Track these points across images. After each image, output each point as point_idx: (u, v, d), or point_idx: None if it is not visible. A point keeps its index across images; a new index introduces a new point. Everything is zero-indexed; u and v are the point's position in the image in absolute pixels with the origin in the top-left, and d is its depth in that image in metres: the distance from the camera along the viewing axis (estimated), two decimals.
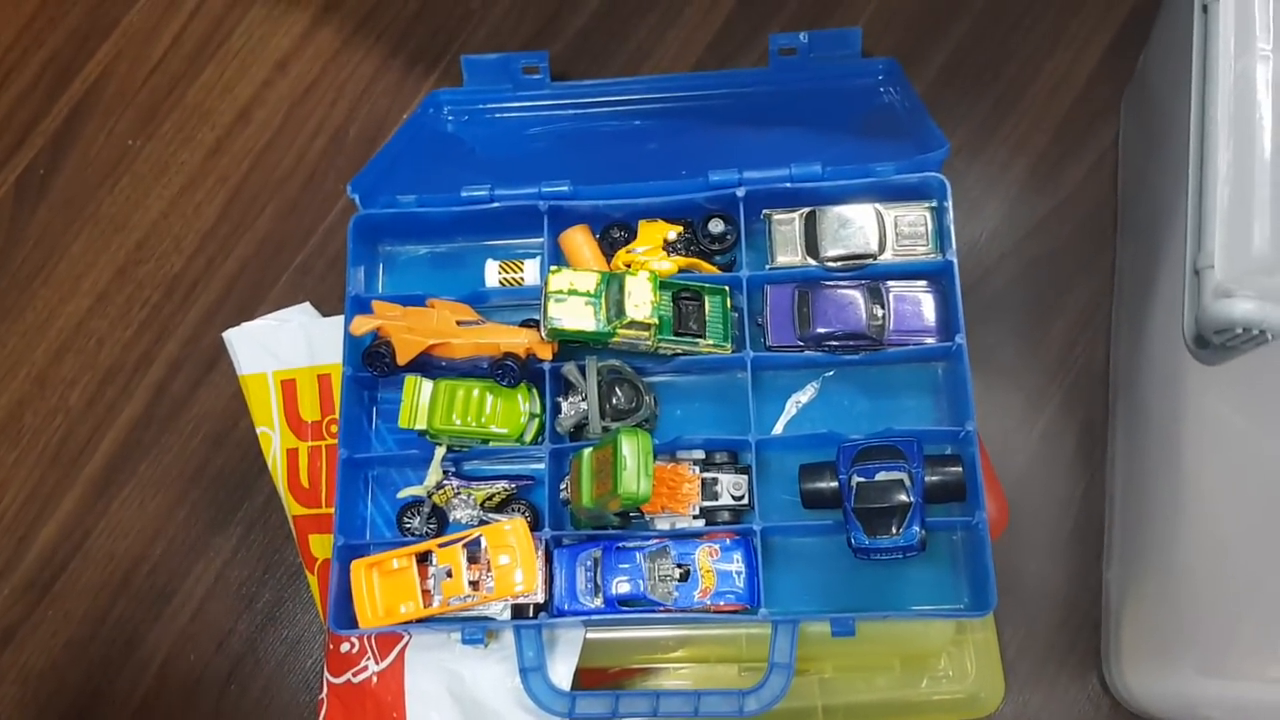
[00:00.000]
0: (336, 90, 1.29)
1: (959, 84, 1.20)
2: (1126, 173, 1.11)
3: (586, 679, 0.90)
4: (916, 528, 0.80)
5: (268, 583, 1.15)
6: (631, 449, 0.79)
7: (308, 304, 1.08)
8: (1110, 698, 1.02)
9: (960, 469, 0.82)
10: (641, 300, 0.86)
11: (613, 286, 0.87)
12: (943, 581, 0.86)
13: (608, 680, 0.96)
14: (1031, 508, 1.07)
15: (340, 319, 0.97)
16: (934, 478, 0.82)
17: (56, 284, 1.24)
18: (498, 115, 1.14)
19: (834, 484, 0.83)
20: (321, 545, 0.99)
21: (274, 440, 1.01)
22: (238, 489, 1.17)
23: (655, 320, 0.86)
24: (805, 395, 0.91)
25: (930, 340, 0.88)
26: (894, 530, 0.80)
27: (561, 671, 0.85)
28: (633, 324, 0.86)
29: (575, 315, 0.87)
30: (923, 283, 0.89)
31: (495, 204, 0.94)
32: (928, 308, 0.88)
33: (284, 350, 1.02)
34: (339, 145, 1.27)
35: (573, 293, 0.87)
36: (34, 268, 1.25)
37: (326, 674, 0.92)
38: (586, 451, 0.84)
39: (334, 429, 1.00)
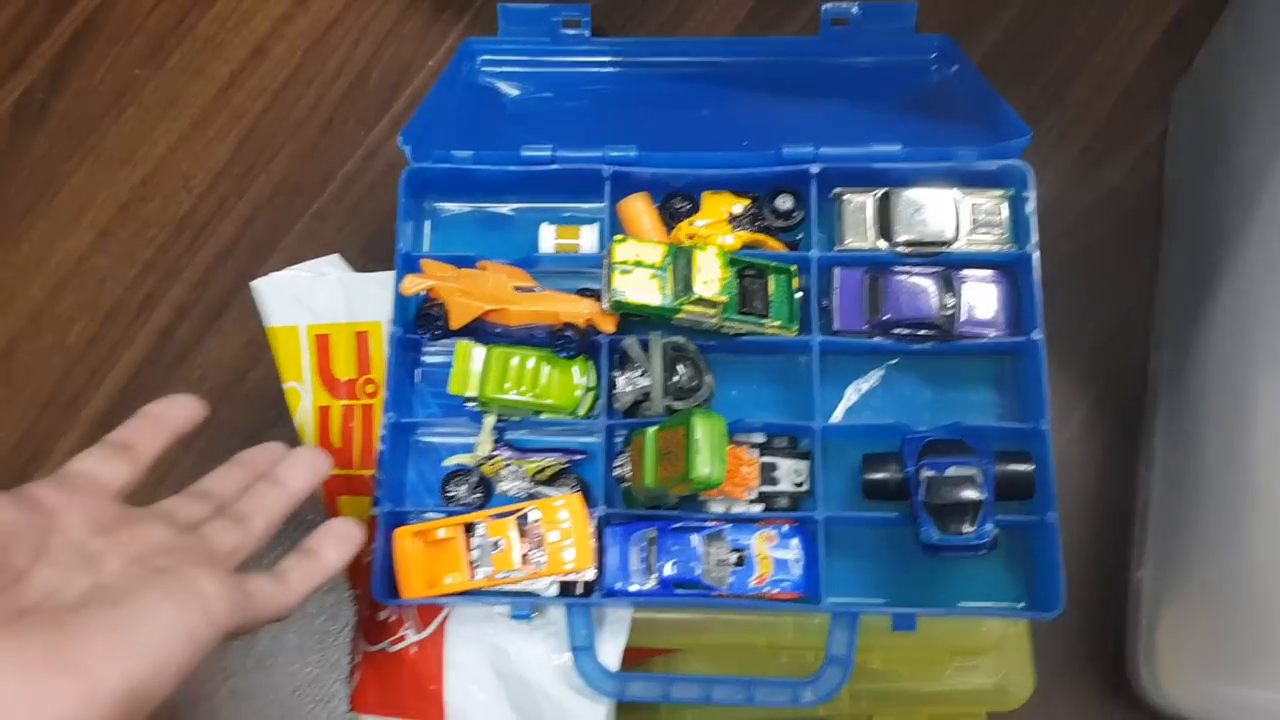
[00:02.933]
0: (360, 30, 1.23)
1: (1004, 72, 1.18)
2: (1175, 174, 1.10)
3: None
4: (990, 525, 0.79)
5: (278, 540, 1.10)
6: (706, 432, 0.76)
7: (338, 256, 1.03)
8: (1130, 695, 1.02)
9: (1030, 467, 0.81)
10: (710, 276, 0.83)
11: (680, 261, 0.84)
12: (999, 579, 0.85)
13: (640, 657, 0.94)
14: (1061, 504, 1.06)
15: (380, 275, 0.93)
16: (1004, 475, 0.81)
17: (55, 217, 1.18)
18: (535, 70, 1.10)
19: (899, 476, 0.82)
20: (352, 506, 0.95)
21: (304, 397, 0.97)
22: (246, 441, 1.11)
23: (724, 298, 0.83)
24: (867, 383, 0.89)
25: (997, 333, 0.86)
26: (967, 528, 0.78)
27: (609, 651, 0.83)
28: (700, 300, 0.83)
29: (640, 288, 0.84)
30: (993, 273, 0.88)
31: (555, 165, 0.90)
32: (999, 300, 0.87)
33: (319, 304, 0.97)
34: (361, 89, 1.22)
35: (639, 264, 0.84)
36: (31, 198, 1.18)
37: (362, 641, 0.89)
38: (651, 430, 0.81)
39: (370, 389, 0.95)
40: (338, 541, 0.72)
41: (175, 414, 0.75)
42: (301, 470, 0.74)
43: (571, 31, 1.08)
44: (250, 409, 1.13)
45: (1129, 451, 1.08)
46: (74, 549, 0.58)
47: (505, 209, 0.95)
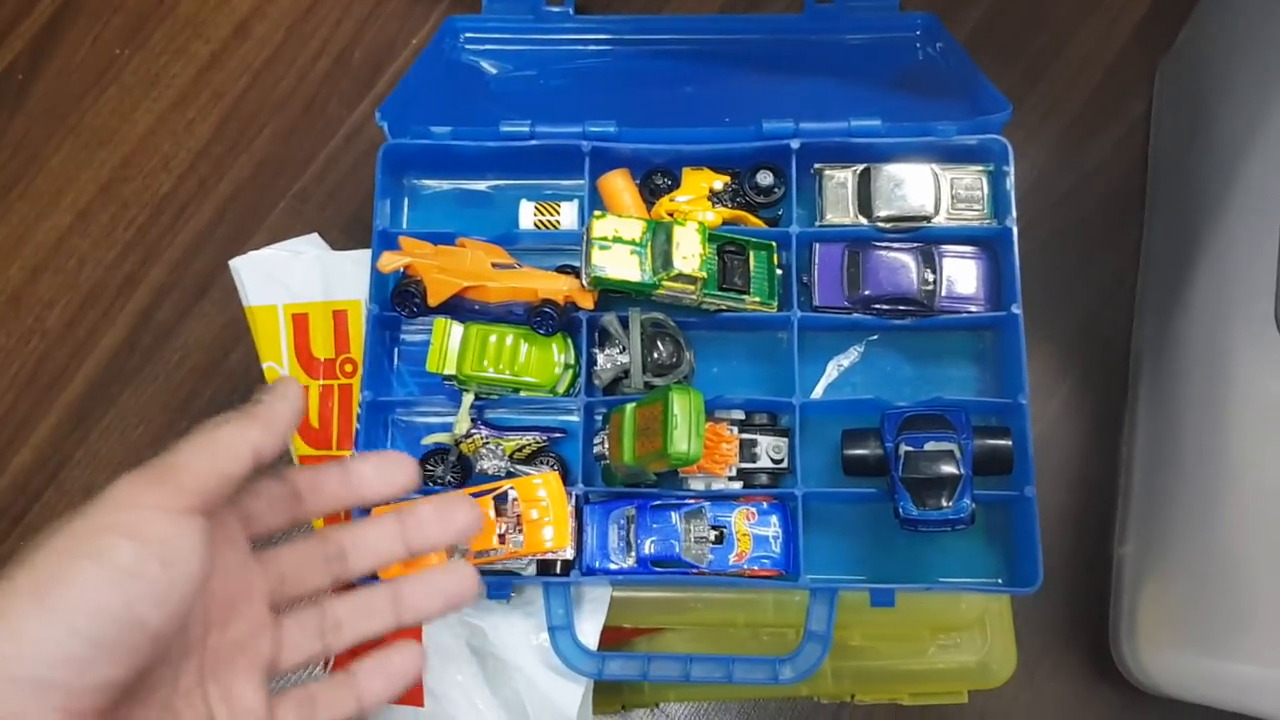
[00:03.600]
0: (342, 9, 1.22)
1: (988, 50, 1.17)
2: (1158, 149, 1.10)
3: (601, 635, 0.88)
4: (967, 500, 0.78)
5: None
6: (683, 408, 0.76)
7: (316, 235, 1.03)
8: (1114, 671, 1.02)
9: (1009, 441, 0.81)
10: (690, 252, 0.82)
11: (659, 236, 0.84)
12: (979, 554, 0.85)
13: (621, 637, 0.94)
14: (1042, 481, 1.05)
15: (357, 253, 0.92)
16: (983, 449, 0.80)
17: (34, 197, 1.17)
18: (518, 47, 1.09)
19: (878, 451, 0.82)
20: None
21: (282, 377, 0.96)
22: None
23: (703, 274, 0.82)
24: (847, 359, 0.89)
25: (977, 308, 0.86)
26: (945, 502, 0.78)
27: (588, 630, 0.83)
28: (679, 276, 0.82)
29: (620, 264, 0.83)
30: (973, 249, 0.87)
31: (535, 141, 0.89)
32: (979, 275, 0.86)
33: (297, 283, 0.96)
34: (343, 68, 1.21)
35: (617, 240, 0.83)
36: (10, 179, 1.17)
37: None
38: (629, 407, 0.81)
39: (348, 368, 0.95)
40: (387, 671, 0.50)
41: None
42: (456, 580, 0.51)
43: (555, 9, 1.07)
44: (232, 389, 1.12)
45: (1113, 426, 1.08)
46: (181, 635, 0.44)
47: (485, 186, 0.95)
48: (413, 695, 0.85)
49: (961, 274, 0.86)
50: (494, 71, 1.08)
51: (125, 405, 1.13)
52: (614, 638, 0.93)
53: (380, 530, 0.50)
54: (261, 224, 1.16)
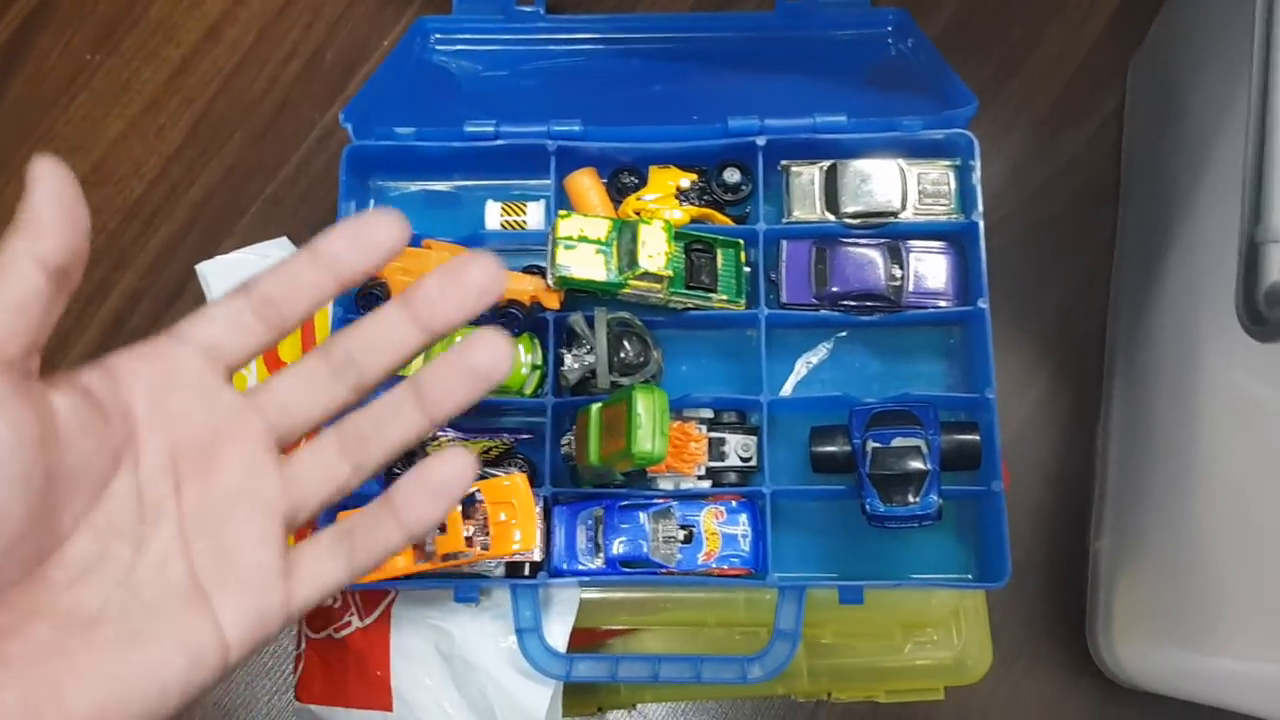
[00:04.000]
0: (313, 11, 1.22)
1: (962, 43, 1.17)
2: (1131, 142, 1.09)
3: (573, 638, 0.87)
4: (934, 496, 0.78)
5: None
6: (647, 407, 0.75)
7: (285, 238, 1.02)
8: (1092, 666, 1.02)
9: (977, 436, 0.81)
10: (656, 251, 0.82)
11: (625, 235, 0.83)
12: (949, 550, 0.85)
13: (594, 639, 0.94)
14: (1019, 475, 1.06)
15: None
16: (950, 445, 0.80)
17: (5, 206, 1.16)
18: (488, 47, 1.09)
19: (847, 448, 0.81)
20: None
21: (250, 381, 0.96)
22: None
23: (669, 272, 0.82)
24: (816, 356, 0.88)
25: (946, 304, 0.86)
26: (911, 498, 0.78)
27: (556, 632, 0.82)
28: (645, 275, 0.82)
29: (585, 264, 0.83)
30: (941, 244, 0.87)
31: (500, 141, 0.89)
32: (947, 270, 0.86)
33: None
34: (314, 71, 1.21)
35: (583, 240, 0.83)
36: None
37: (305, 629, 0.88)
38: (595, 407, 0.81)
39: None
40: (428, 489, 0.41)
41: (375, 237, 0.40)
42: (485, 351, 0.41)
43: (526, 8, 1.06)
44: None
45: (1089, 420, 1.07)
46: (134, 500, 0.37)
47: (451, 187, 0.94)
48: (380, 699, 0.84)
49: (929, 269, 0.86)
50: (464, 72, 1.08)
51: None
52: (587, 640, 0.92)
53: (386, 320, 0.41)
54: (234, 228, 1.16)
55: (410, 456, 0.84)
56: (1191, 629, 0.83)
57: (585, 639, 0.92)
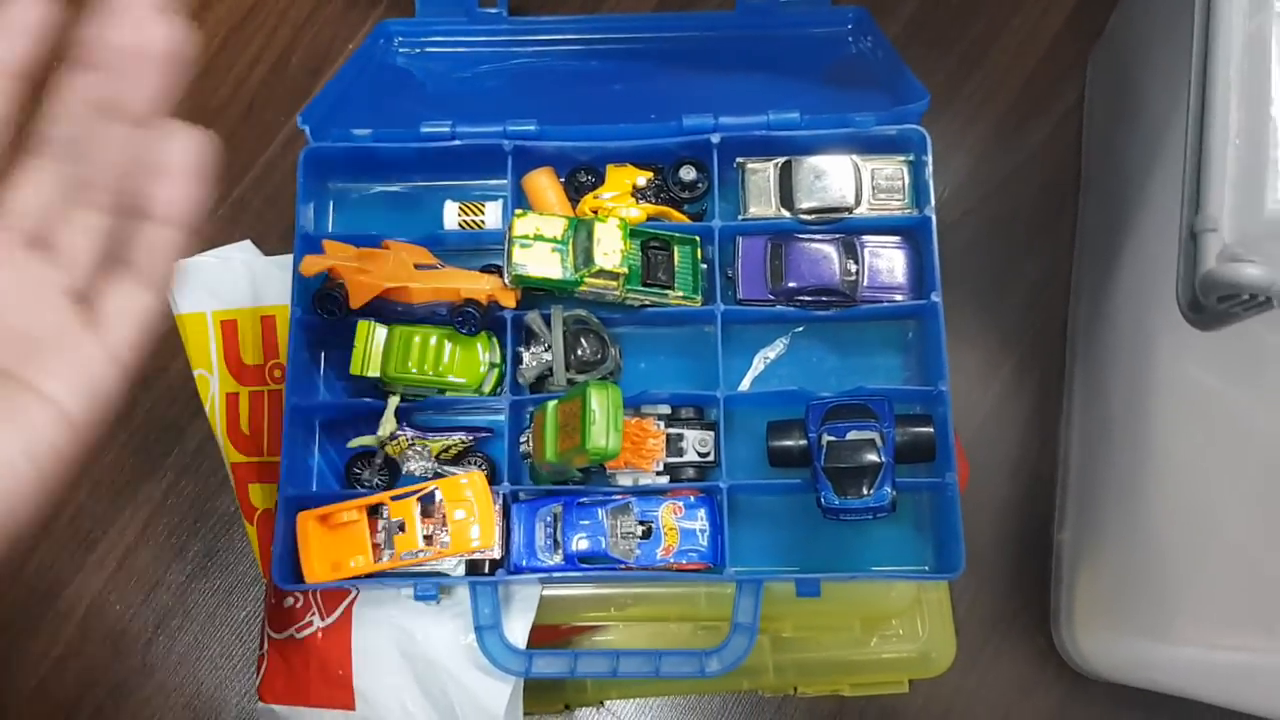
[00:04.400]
0: (278, 16, 1.22)
1: (924, 39, 1.18)
2: (1091, 134, 1.10)
3: (538, 635, 0.88)
4: (888, 488, 0.78)
5: (199, 532, 1.10)
6: (601, 403, 0.76)
7: (249, 241, 1.02)
8: (1058, 658, 1.03)
9: (931, 429, 0.81)
10: (611, 248, 0.82)
11: (581, 233, 0.84)
12: (907, 543, 0.85)
13: (560, 636, 0.94)
14: (983, 468, 1.06)
15: (286, 258, 0.92)
16: (905, 437, 0.81)
17: None
18: (451, 49, 1.09)
19: (803, 442, 0.82)
20: (262, 495, 0.94)
21: (212, 384, 0.96)
22: (168, 433, 1.12)
23: (625, 270, 0.83)
24: (773, 351, 0.89)
25: (902, 297, 0.86)
26: (865, 490, 0.78)
27: (517, 629, 0.83)
28: (601, 273, 0.82)
29: (541, 262, 0.83)
30: (896, 239, 0.87)
31: (457, 141, 0.89)
32: (901, 264, 0.86)
33: (225, 289, 0.96)
34: (280, 75, 1.21)
35: (539, 238, 0.83)
36: None
37: (268, 629, 0.88)
38: (551, 404, 0.81)
39: (277, 374, 0.95)
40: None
41: None
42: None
43: (490, 10, 1.07)
44: (173, 400, 1.12)
45: (1052, 413, 1.08)
46: None
47: (410, 188, 0.94)
48: (343, 698, 0.85)
49: (884, 264, 0.86)
50: (427, 74, 1.08)
51: None
52: (552, 637, 0.93)
53: None
54: (200, 232, 1.16)
55: (387, 462, 0.85)
56: (1149, 619, 0.83)
57: (550, 636, 0.92)
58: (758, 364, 0.89)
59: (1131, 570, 0.86)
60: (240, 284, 0.96)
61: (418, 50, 1.09)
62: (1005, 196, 1.14)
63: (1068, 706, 1.03)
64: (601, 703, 1.03)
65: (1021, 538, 1.06)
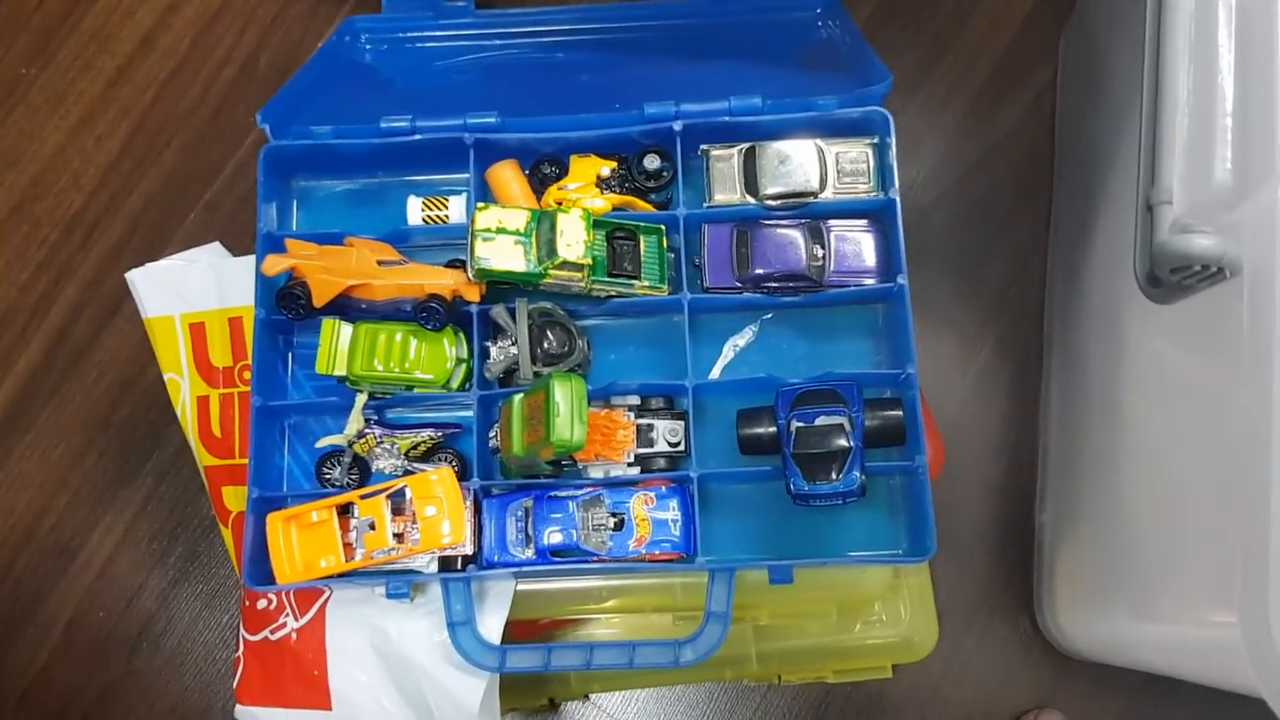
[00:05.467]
0: (247, 16, 1.21)
1: (896, 20, 1.17)
2: (1064, 113, 1.09)
3: (516, 631, 0.88)
4: (856, 473, 0.78)
5: (180, 536, 1.10)
6: (564, 395, 0.75)
7: (217, 244, 1.02)
8: (1042, 640, 1.02)
9: (900, 412, 0.80)
10: (574, 239, 0.82)
11: (544, 225, 0.83)
12: (880, 527, 0.84)
13: (538, 632, 0.94)
14: (964, 451, 1.06)
15: (252, 259, 0.91)
16: (874, 422, 0.80)
17: None
18: (418, 45, 1.09)
19: (772, 429, 0.81)
20: (236, 498, 0.94)
21: (183, 387, 0.96)
22: (146, 439, 1.12)
23: (589, 261, 0.82)
24: (743, 339, 0.88)
25: (870, 281, 0.85)
26: (834, 476, 0.78)
27: (491, 625, 0.82)
28: (565, 264, 0.82)
29: (504, 255, 0.83)
30: (863, 222, 0.87)
31: (417, 136, 0.89)
32: (868, 248, 0.86)
33: (192, 292, 0.96)
34: (249, 75, 1.21)
35: (501, 231, 0.83)
36: None
37: (243, 631, 0.88)
38: (517, 398, 0.80)
39: (247, 375, 0.94)
40: None
41: None
42: None
43: (457, 3, 1.06)
44: (150, 404, 1.12)
45: (1031, 393, 1.07)
46: None
47: (374, 184, 0.94)
48: (319, 699, 0.84)
49: (851, 248, 0.85)
50: (394, 70, 1.08)
51: (45, 425, 1.13)
52: (530, 632, 0.92)
53: None
54: (173, 236, 1.16)
55: (356, 461, 0.85)
56: (1129, 597, 0.83)
57: (528, 631, 0.92)
58: (728, 352, 0.88)
59: (1110, 549, 0.85)
60: (207, 286, 0.95)
61: (384, 46, 1.09)
62: (980, 178, 1.13)
63: (1054, 689, 1.03)
64: (586, 696, 1.03)
65: (1003, 520, 1.06)
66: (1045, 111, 1.13)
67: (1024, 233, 1.11)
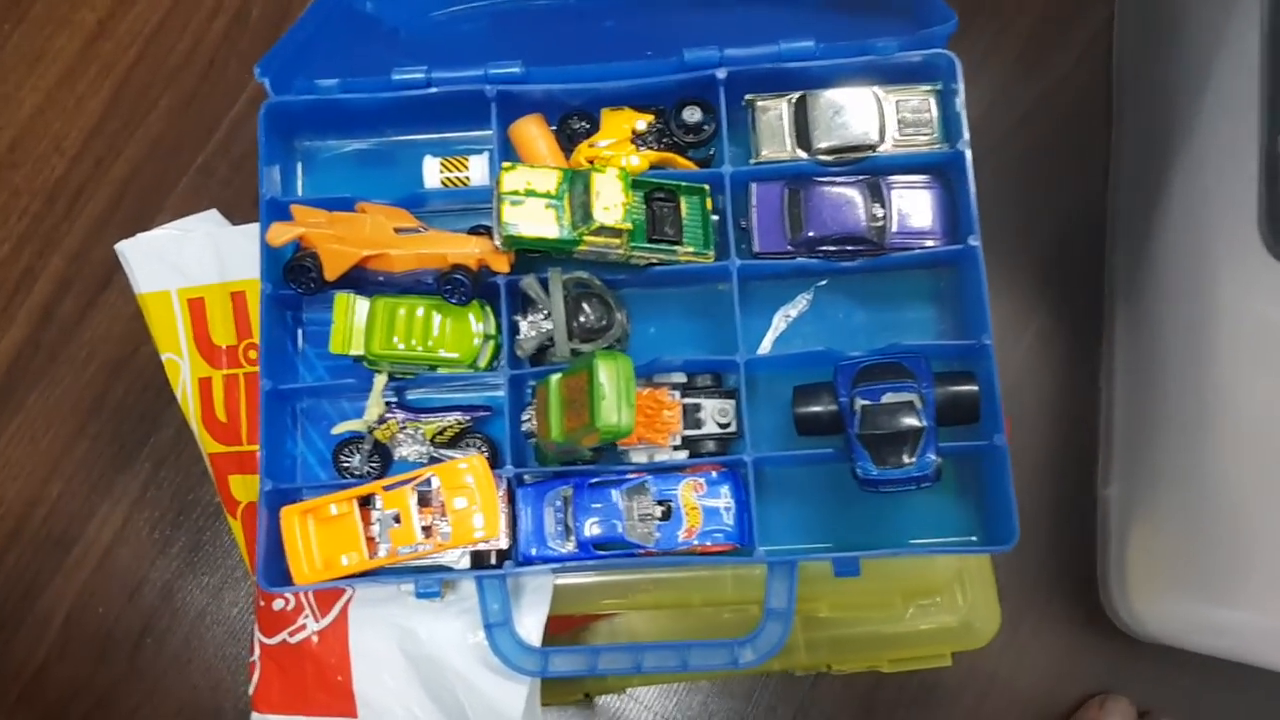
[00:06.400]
0: None
1: None
2: (1122, 57, 1.02)
3: (550, 625, 0.81)
4: (931, 455, 0.71)
5: (183, 525, 1.04)
6: (610, 375, 0.68)
7: (214, 211, 0.94)
8: (1106, 622, 0.96)
9: (975, 387, 0.74)
10: (611, 202, 0.74)
11: (577, 186, 0.76)
12: (949, 511, 0.78)
13: (574, 625, 0.87)
14: (1020, 422, 0.99)
15: (253, 228, 0.84)
16: (945, 397, 0.73)
17: None
18: None
19: (833, 408, 0.74)
20: (244, 486, 0.87)
21: (183, 369, 0.88)
22: (143, 421, 1.05)
23: (629, 225, 0.74)
24: (795, 308, 0.81)
25: (934, 243, 0.78)
26: (906, 459, 0.71)
27: (530, 624, 0.76)
28: (602, 229, 0.74)
29: (534, 220, 0.75)
30: (925, 177, 0.79)
31: (433, 89, 0.81)
32: (932, 206, 0.78)
33: (189, 265, 0.88)
34: (241, 27, 1.12)
35: (530, 193, 0.75)
36: None
37: (258, 634, 0.81)
38: (554, 378, 0.73)
39: (252, 354, 0.87)
40: None
41: None
42: None
43: None
44: (145, 385, 1.05)
45: (1090, 362, 1.01)
46: None
47: (385, 143, 0.86)
48: (344, 706, 0.78)
49: (913, 206, 0.78)
50: (399, 17, 0.99)
51: (33, 409, 1.06)
52: (565, 626, 0.86)
53: None
54: (164, 203, 1.09)
55: (377, 448, 0.78)
56: (1215, 580, 0.77)
57: (564, 625, 0.86)
58: (779, 323, 0.81)
59: (1193, 526, 0.79)
60: (205, 258, 0.88)
61: None
62: (1030, 129, 1.06)
63: (1117, 673, 0.97)
64: (623, 690, 0.97)
65: (1062, 496, 1.00)
66: (1101, 54, 1.06)
67: (1080, 187, 1.04)
